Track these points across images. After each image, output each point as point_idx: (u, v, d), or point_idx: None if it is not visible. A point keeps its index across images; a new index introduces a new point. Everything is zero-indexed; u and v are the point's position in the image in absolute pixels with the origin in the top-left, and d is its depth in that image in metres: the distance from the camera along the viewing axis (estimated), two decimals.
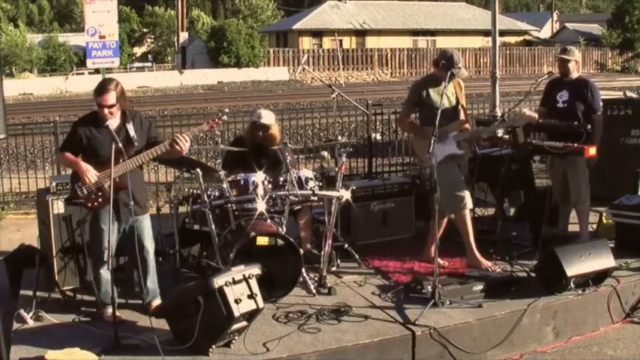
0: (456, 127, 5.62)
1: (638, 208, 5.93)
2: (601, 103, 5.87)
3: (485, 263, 5.56)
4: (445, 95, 5.46)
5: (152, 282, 4.85)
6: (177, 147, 4.58)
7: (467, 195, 5.59)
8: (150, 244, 4.81)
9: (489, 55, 27.56)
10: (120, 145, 4.47)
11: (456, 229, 5.83)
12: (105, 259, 4.60)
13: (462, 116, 5.77)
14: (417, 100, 5.67)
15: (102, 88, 4.58)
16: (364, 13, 45.88)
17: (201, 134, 11.28)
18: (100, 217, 4.64)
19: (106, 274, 4.66)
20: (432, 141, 4.93)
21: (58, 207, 5.14)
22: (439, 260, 5.60)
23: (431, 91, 5.60)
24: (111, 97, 4.55)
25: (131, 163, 4.56)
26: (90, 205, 4.62)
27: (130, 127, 4.63)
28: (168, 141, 4.65)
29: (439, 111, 5.15)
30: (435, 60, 5.71)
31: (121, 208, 4.61)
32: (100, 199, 4.56)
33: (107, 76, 9.14)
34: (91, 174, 4.54)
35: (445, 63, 5.45)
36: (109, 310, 4.60)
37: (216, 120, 4.76)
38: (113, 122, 4.61)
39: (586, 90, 5.88)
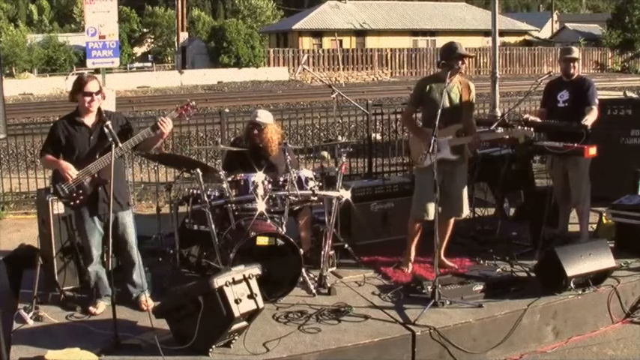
0: (452, 132, 5.45)
1: (638, 208, 5.93)
2: (596, 100, 5.87)
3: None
4: (447, 95, 5.38)
5: (138, 276, 4.90)
6: (159, 129, 4.58)
7: (430, 208, 5.43)
8: (133, 240, 4.84)
9: (489, 55, 27.56)
10: (118, 142, 4.49)
11: (457, 231, 5.83)
12: (92, 257, 4.75)
13: (467, 119, 5.56)
14: (419, 97, 5.57)
15: (82, 80, 4.66)
16: (364, 13, 45.85)
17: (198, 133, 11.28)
18: (82, 215, 4.73)
19: (93, 269, 4.80)
20: (432, 141, 4.92)
21: (58, 207, 5.13)
22: (449, 262, 5.62)
23: (434, 89, 5.46)
24: (94, 85, 4.63)
25: (108, 158, 4.53)
26: (72, 203, 4.68)
27: (108, 124, 4.59)
28: (150, 125, 4.65)
29: (439, 111, 5.06)
30: (437, 61, 5.63)
31: (100, 204, 4.67)
32: (82, 197, 4.63)
33: (107, 76, 9.18)
34: (71, 171, 4.58)
35: (444, 62, 5.34)
36: (99, 304, 4.81)
37: (185, 107, 4.74)
38: (88, 120, 4.68)
39: (585, 88, 5.89)
